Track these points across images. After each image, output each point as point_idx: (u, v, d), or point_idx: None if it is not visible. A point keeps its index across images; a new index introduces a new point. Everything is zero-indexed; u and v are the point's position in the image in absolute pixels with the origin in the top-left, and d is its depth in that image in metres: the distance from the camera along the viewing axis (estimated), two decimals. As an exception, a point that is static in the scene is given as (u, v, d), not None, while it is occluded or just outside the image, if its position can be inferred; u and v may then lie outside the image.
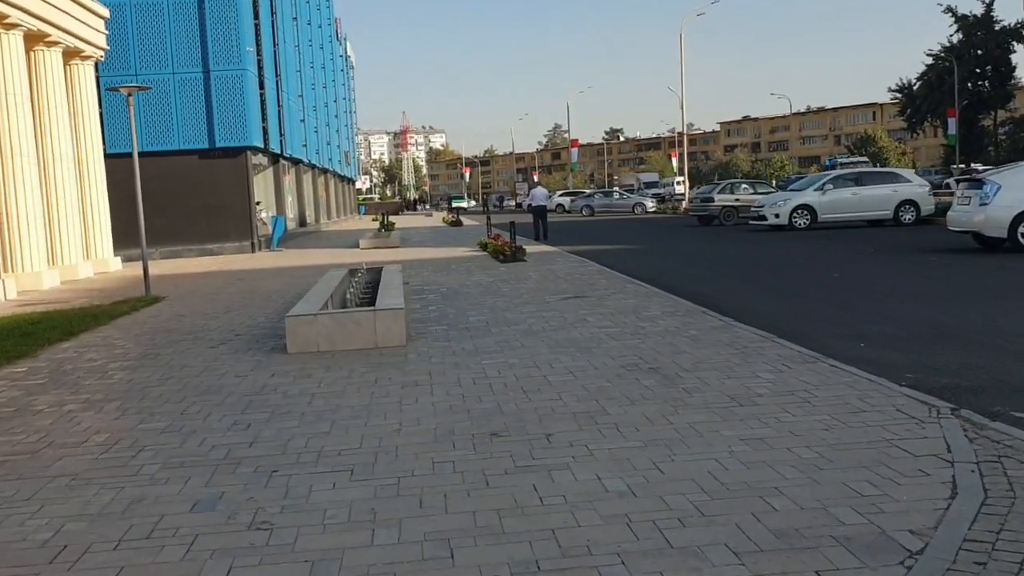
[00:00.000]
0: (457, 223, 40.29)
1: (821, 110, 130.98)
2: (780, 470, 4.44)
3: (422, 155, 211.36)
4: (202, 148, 24.54)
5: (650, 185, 63.04)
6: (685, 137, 52.04)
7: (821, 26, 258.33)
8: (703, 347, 7.77)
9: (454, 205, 75.65)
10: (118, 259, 21.27)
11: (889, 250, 17.57)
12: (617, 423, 5.43)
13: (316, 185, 41.65)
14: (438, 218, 56.14)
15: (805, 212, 24.37)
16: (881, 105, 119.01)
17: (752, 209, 26.15)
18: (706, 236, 25.08)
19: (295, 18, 34.70)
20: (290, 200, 34.27)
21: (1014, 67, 73.56)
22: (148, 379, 7.58)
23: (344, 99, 58.18)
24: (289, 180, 34.41)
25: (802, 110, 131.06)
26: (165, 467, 4.99)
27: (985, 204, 15.12)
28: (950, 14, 72.39)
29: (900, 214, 24.56)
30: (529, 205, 65.73)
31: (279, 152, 29.43)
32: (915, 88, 76.93)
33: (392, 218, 39.94)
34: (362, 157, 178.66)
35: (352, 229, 40.98)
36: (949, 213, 16.62)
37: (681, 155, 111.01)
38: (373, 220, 44.24)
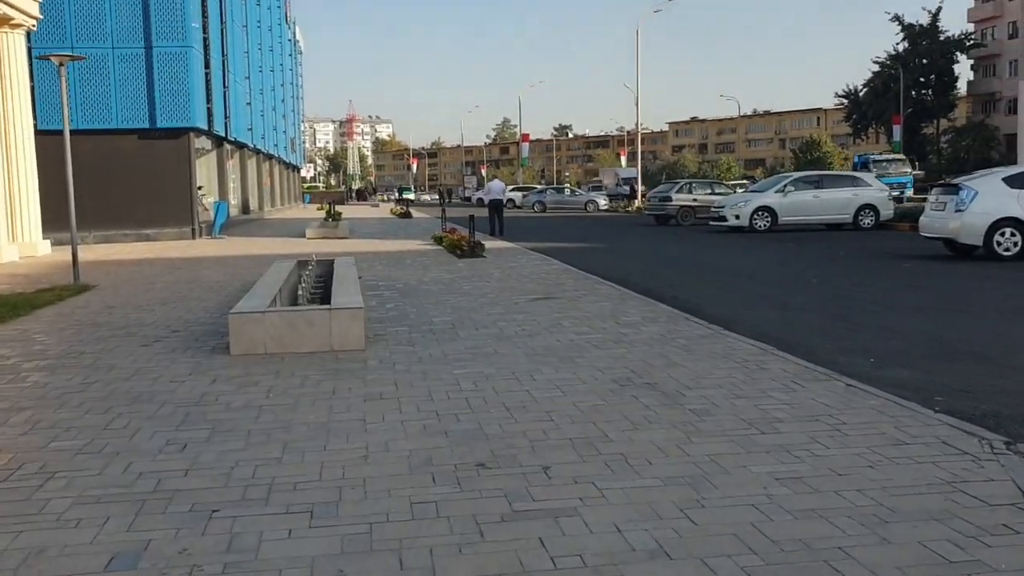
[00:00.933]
0: (406, 215, 39.28)
1: (767, 113, 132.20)
2: (837, 522, 3.67)
3: (368, 145, 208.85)
4: (142, 128, 23.22)
5: (629, 181, 60.22)
6: (639, 135, 51.51)
7: (769, 32, 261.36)
8: (698, 359, 7.01)
9: (404, 196, 73.91)
10: (47, 243, 19.92)
11: (860, 255, 17.07)
12: (624, 453, 4.62)
13: (261, 171, 40.26)
14: (385, 209, 54.97)
15: (766, 214, 23.90)
16: (825, 110, 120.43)
17: (712, 210, 25.63)
18: (667, 236, 24.44)
19: (243, -3, 33.33)
20: (233, 186, 32.94)
21: (956, 77, 74.89)
22: (68, 383, 6.58)
23: (291, 84, 56.64)
24: (233, 165, 33.06)
25: (748, 113, 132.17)
26: (78, 502, 4.05)
27: (961, 210, 14.67)
28: (897, 23, 73.35)
29: (859, 218, 24.23)
30: (480, 200, 64.84)
31: (223, 135, 28.13)
32: (861, 94, 77.79)
33: (339, 208, 38.87)
34: (307, 145, 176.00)
35: (297, 218, 39.71)
36: (921, 219, 16.18)
37: (632, 154, 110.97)
38: (318, 209, 43.02)
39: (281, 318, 7.64)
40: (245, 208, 35.02)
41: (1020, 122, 21.35)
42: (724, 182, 36.62)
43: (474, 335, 8.37)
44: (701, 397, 5.79)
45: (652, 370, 6.65)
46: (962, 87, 77.05)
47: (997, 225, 14.45)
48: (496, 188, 25.64)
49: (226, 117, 28.16)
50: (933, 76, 73.22)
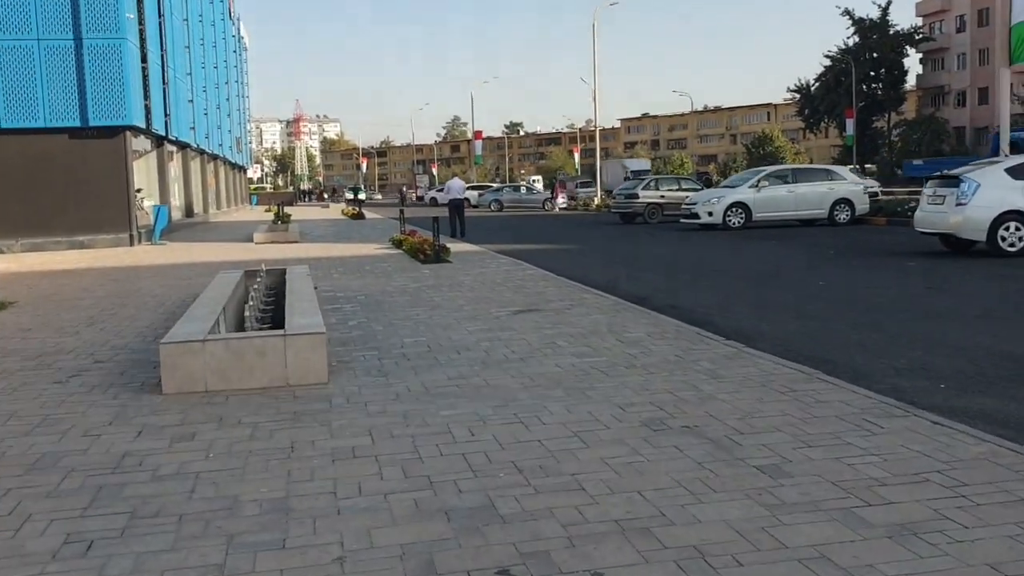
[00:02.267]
0: (359, 216, 37.77)
1: (718, 109, 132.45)
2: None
3: (316, 145, 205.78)
4: (73, 126, 21.48)
5: (640, 174, 52.33)
6: (598, 131, 50.42)
7: (719, 28, 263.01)
8: (734, 388, 5.82)
9: (349, 196, 71.54)
10: (-33, 252, 18.19)
11: (853, 253, 16.03)
12: (697, 545, 3.39)
13: (205, 172, 38.45)
14: (336, 210, 53.30)
15: (739, 210, 22.91)
16: (775, 106, 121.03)
17: (683, 207, 24.56)
18: (639, 236, 23.24)
19: (183, -12, 31.57)
20: (176, 188, 31.19)
21: (906, 71, 75.18)
22: (-51, 441, 5.17)
23: (236, 82, 54.71)
24: (175, 166, 31.30)
25: (700, 109, 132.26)
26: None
27: (963, 204, 13.71)
28: (847, 16, 73.32)
29: (835, 213, 23.37)
30: (433, 199, 63.30)
31: (163, 134, 26.45)
32: (813, 89, 77.73)
33: (288, 209, 37.23)
34: (254, 146, 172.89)
35: (244, 220, 38.00)
36: (917, 213, 15.22)
37: (586, 151, 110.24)
38: (266, 211, 41.35)
39: (226, 348, 6.28)
40: (189, 211, 33.29)
41: (1001, 111, 20.43)
42: (691, 178, 35.60)
43: (456, 360, 7.09)
44: (762, 447, 4.58)
45: (684, 406, 5.44)
46: (911, 81, 77.50)
47: (1001, 219, 13.53)
48: (456, 187, 24.32)
49: (166, 115, 26.46)
50: (883, 70, 73.38)
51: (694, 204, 23.75)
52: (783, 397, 5.58)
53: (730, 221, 22.87)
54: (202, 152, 36.99)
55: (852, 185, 23.80)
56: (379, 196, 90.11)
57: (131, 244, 22.01)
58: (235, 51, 54.37)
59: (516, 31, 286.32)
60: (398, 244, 19.02)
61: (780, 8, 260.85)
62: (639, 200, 28.48)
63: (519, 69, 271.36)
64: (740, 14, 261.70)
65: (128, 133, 22.18)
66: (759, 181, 23.25)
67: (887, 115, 75.74)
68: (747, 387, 5.87)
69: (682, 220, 24.45)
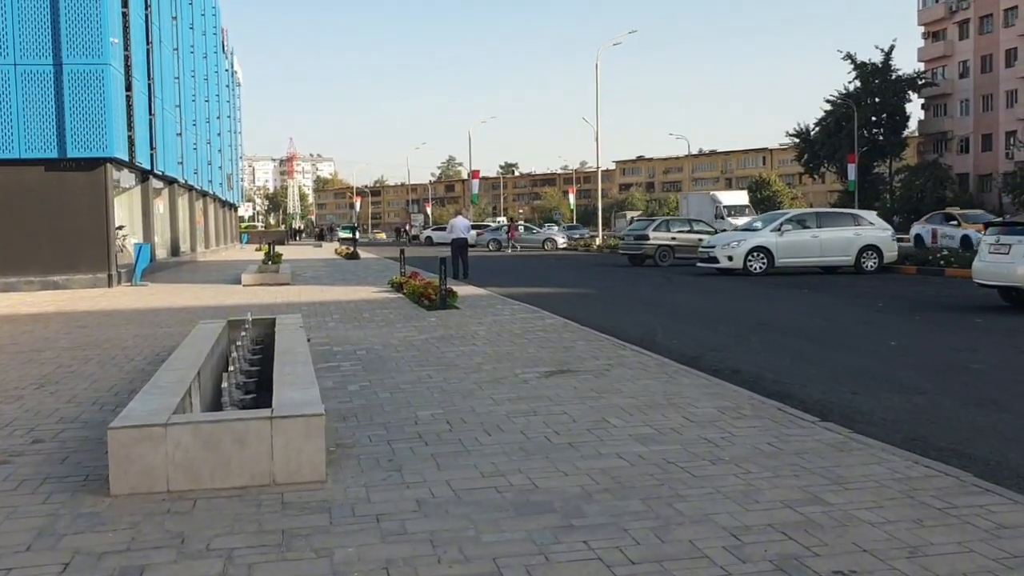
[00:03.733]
0: (354, 255, 36.33)
1: (713, 153, 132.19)
2: None
3: (309, 183, 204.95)
4: (50, 157, 20.05)
5: (736, 211, 44.88)
6: (599, 172, 49.12)
7: (714, 72, 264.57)
8: (871, 501, 4.36)
9: (342, 236, 69.72)
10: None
11: (904, 307, 14.52)
12: None
13: (193, 209, 37.00)
14: (329, 249, 51.89)
15: (761, 255, 21.54)
16: (771, 150, 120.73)
17: (700, 250, 23.17)
18: (655, 280, 21.72)
19: (175, 17, 30.33)
20: (161, 225, 29.72)
21: (908, 116, 74.57)
22: None
23: (229, 117, 53.49)
24: (161, 202, 29.87)
25: (695, 152, 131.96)
26: None
27: (1035, 254, 12.33)
28: (849, 60, 72.85)
29: (862, 260, 22.01)
30: (428, 238, 61.95)
31: (149, 168, 25.02)
32: (813, 133, 77.02)
33: (279, 248, 35.79)
34: (245, 184, 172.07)
35: (233, 260, 36.52)
36: (976, 264, 13.79)
37: (580, 192, 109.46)
38: (257, 250, 39.93)
39: (195, 434, 4.77)
40: (175, 250, 31.79)
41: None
42: (703, 220, 34.33)
43: (487, 445, 5.61)
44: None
45: (819, 532, 3.95)
46: (912, 126, 76.89)
47: (1079, 270, 12.16)
48: (460, 226, 22.90)
49: (152, 148, 25.07)
50: (885, 115, 72.81)
51: (712, 247, 22.37)
52: (949, 519, 4.10)
53: (751, 266, 21.49)
54: (191, 188, 35.59)
55: (880, 231, 22.47)
56: (382, 235, 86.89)
57: (109, 285, 20.47)
58: (228, 86, 53.25)
59: (513, 71, 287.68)
60: (398, 287, 17.56)
61: (777, 52, 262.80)
62: (649, 242, 27.10)
63: (515, 109, 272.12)
64: (737, 58, 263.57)
65: (109, 166, 20.75)
66: (782, 225, 21.90)
67: (888, 161, 75.00)
68: (889, 500, 4.39)
69: (699, 264, 23.04)
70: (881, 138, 73.21)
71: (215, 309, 14.77)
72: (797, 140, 79.05)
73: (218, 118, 45.84)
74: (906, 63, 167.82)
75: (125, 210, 24.48)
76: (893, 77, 72.21)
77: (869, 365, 8.77)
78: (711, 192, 55.89)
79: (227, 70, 52.77)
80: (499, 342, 10.12)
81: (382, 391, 7.45)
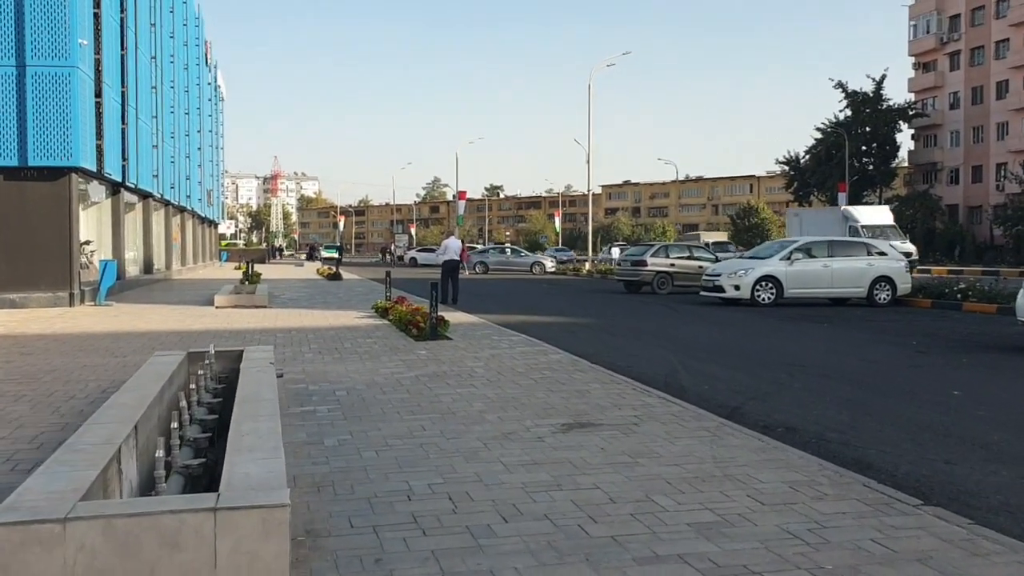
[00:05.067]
0: (336, 276, 34.90)
1: (700, 179, 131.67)
2: None
3: (293, 202, 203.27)
4: (9, 165, 18.60)
5: (877, 232, 35.89)
6: (590, 195, 47.93)
7: (704, 98, 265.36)
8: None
9: (325, 255, 68.17)
10: None
11: (941, 345, 13.11)
12: None
13: (169, 225, 35.51)
14: (311, 268, 50.41)
15: (770, 285, 20.30)
16: (758, 178, 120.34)
17: (704, 278, 21.88)
18: (658, 309, 20.31)
19: (153, 24, 28.98)
20: (133, 241, 28.24)
21: (898, 146, 74.05)
22: None
23: (211, 131, 52.06)
24: (134, 217, 28.41)
25: (681, 179, 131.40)
26: None
27: (1088, 291, 11.11)
28: (840, 89, 72.32)
29: (875, 292, 20.81)
30: (413, 260, 60.47)
31: (120, 180, 23.59)
32: (803, 161, 76.34)
33: (259, 267, 34.35)
34: (228, 201, 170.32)
35: (210, 278, 35.03)
36: (1021, 300, 12.55)
37: (565, 215, 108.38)
38: (236, 268, 38.48)
39: (106, 533, 3.39)
40: (148, 267, 30.26)
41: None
42: (704, 246, 33.11)
43: (503, 537, 4.27)
44: None
45: None
46: (903, 156, 76.33)
47: None
48: (454, 247, 21.51)
49: (124, 159, 23.67)
50: (875, 144, 72.24)
51: (717, 276, 21.10)
52: None
53: (759, 297, 20.23)
54: (167, 203, 34.11)
55: (893, 261, 21.27)
56: (381, 257, 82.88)
57: (71, 304, 18.99)
58: (211, 99, 51.86)
59: (501, 92, 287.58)
60: (383, 313, 16.19)
61: (768, 80, 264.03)
62: (647, 268, 25.79)
63: (502, 130, 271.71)
64: (726, 84, 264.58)
65: (75, 176, 19.31)
66: (792, 253, 20.67)
67: (879, 190, 74.36)
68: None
69: (702, 293, 21.75)
70: (871, 167, 72.65)
71: (180, 335, 13.37)
72: (787, 168, 78.31)
73: (199, 132, 44.42)
74: (897, 93, 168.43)
75: (93, 224, 23.03)
76: (884, 107, 71.75)
77: (943, 421, 7.45)
78: (843, 208, 43.36)
79: (210, 83, 51.41)
80: (501, 383, 8.77)
81: (366, 448, 6.09)
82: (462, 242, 23.72)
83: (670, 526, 4.45)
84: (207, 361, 7.81)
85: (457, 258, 21.35)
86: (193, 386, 6.68)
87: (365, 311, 17.66)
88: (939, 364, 11.19)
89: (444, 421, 6.96)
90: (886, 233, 36.73)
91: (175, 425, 5.03)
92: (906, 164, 77.64)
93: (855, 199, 70.88)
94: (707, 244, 42.92)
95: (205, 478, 5.28)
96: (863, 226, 37.50)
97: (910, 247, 36.05)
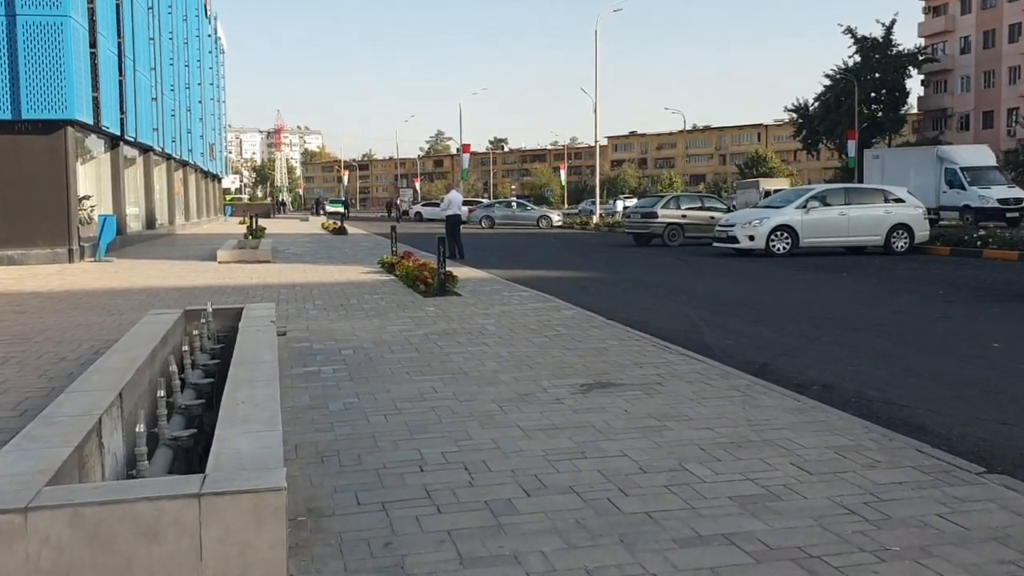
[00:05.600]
0: (341, 231, 34.43)
1: (707, 129, 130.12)
2: None
3: (296, 156, 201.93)
4: (3, 119, 18.08)
5: (978, 177, 32.59)
6: (598, 147, 47.11)
7: (712, 46, 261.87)
8: None
9: (330, 210, 67.10)
10: None
11: (968, 295, 12.63)
12: None
13: (171, 180, 35.00)
14: (315, 223, 49.93)
15: (785, 235, 19.76)
16: (766, 126, 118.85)
17: (717, 229, 21.34)
18: (670, 262, 19.74)
19: (148, -28, 28.20)
20: (135, 196, 27.75)
21: (908, 93, 72.73)
22: None
23: (212, 84, 51.24)
24: (135, 171, 27.89)
25: (688, 128, 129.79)
26: None
27: None
28: (849, 35, 70.84)
29: (892, 240, 20.28)
30: (418, 214, 59.86)
31: (118, 134, 23.05)
32: (812, 109, 75.11)
33: (263, 222, 33.92)
34: (232, 156, 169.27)
35: (214, 233, 34.56)
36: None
37: (570, 168, 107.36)
38: (240, 223, 38.00)
39: (73, 524, 2.96)
40: (151, 222, 29.82)
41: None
42: (714, 196, 32.46)
43: (526, 514, 3.85)
44: None
45: None
46: (912, 104, 75.10)
47: None
48: (457, 201, 20.96)
49: (122, 112, 23.10)
50: (884, 91, 70.95)
51: (731, 226, 20.55)
52: None
53: (774, 247, 19.71)
54: (168, 157, 33.57)
55: (911, 209, 20.69)
56: (387, 211, 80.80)
57: (70, 260, 18.57)
58: (211, 52, 50.95)
59: (505, 42, 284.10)
60: (389, 268, 15.74)
61: (775, 26, 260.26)
62: (658, 220, 25.21)
63: (507, 81, 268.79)
64: (734, 32, 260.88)
65: (71, 129, 18.78)
66: (808, 201, 20.09)
67: (888, 137, 73.26)
68: None
69: (715, 244, 21.23)
70: (880, 114, 71.39)
71: (181, 291, 12.94)
72: (795, 115, 77.05)
73: (199, 85, 43.66)
74: (907, 38, 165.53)
75: (92, 179, 22.53)
76: (893, 52, 70.26)
77: (989, 377, 6.98)
78: (937, 148, 37.07)
79: (210, 35, 50.45)
80: (514, 340, 8.32)
81: (374, 412, 5.67)
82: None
83: (710, 500, 4.02)
84: (203, 320, 7.39)
85: (459, 212, 20.77)
86: (187, 348, 6.25)
87: (371, 266, 17.21)
88: (971, 314, 10.72)
89: (456, 382, 6.53)
90: (988, 176, 33.08)
91: (161, 394, 4.58)
92: (915, 111, 76.43)
93: (864, 146, 69.80)
94: (767, 192, 40.64)
95: (200, 448, 4.86)
96: (962, 168, 33.22)
97: (1019, 192, 32.65)
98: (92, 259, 19.12)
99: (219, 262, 18.44)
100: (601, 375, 6.73)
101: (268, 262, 18.51)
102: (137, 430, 4.00)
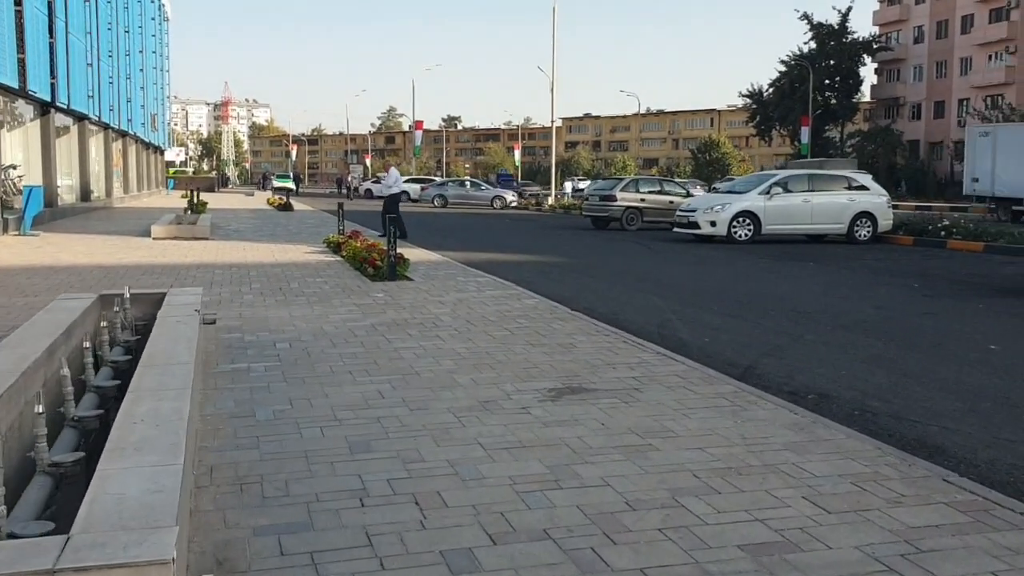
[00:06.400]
0: (287, 207, 33.24)
1: (661, 113, 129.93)
2: None
3: (244, 129, 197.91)
4: (-83, 81, 16.75)
5: None
6: (554, 125, 46.29)
7: (664, 29, 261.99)
8: None
9: (277, 185, 64.70)
10: None
11: (944, 288, 12.10)
12: None
13: (109, 150, 33.48)
14: (261, 199, 48.48)
15: (747, 221, 19.16)
16: (719, 112, 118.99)
17: (679, 214, 20.67)
18: (631, 247, 18.91)
19: (84, -69, 26.67)
20: (68, 166, 26.33)
21: (861, 80, 73.04)
22: None
23: (154, 53, 49.36)
24: (68, 140, 26.46)
25: (643, 112, 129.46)
26: None
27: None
28: (806, 21, 70.81)
29: (855, 229, 19.82)
30: (368, 191, 58.46)
31: (49, 100, 21.69)
32: (767, 94, 75.04)
33: (206, 196, 32.63)
34: (178, 127, 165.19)
35: (154, 207, 33.15)
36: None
37: (525, 148, 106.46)
38: (183, 197, 36.60)
39: None
40: (85, 195, 28.42)
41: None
42: (674, 180, 31.84)
43: (494, 572, 3.07)
44: None
45: None
46: (866, 92, 75.44)
47: None
48: (396, 177, 19.69)
49: (53, 76, 21.74)
50: (838, 78, 71.14)
51: (693, 211, 19.90)
52: None
53: (736, 233, 19.11)
54: (106, 127, 32.06)
55: (875, 197, 20.22)
56: (337, 188, 77.12)
57: (-8, 234, 17.32)
58: (154, 18, 49.04)
59: (458, 21, 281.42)
60: (336, 248, 14.83)
61: (730, 11, 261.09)
62: (616, 203, 24.49)
63: (461, 58, 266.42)
64: (690, 15, 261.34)
65: (-8, 93, 17.48)
66: (771, 187, 19.50)
67: (840, 125, 73.55)
68: None
69: (676, 229, 20.57)
70: (834, 101, 71.61)
71: (106, 271, 11.92)
72: (750, 101, 76.94)
73: (140, 52, 41.94)
74: (863, 26, 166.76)
75: (19, 147, 21.18)
76: (848, 40, 70.41)
77: (998, 386, 6.34)
78: None
79: (152, 1, 48.54)
80: (473, 334, 7.53)
81: (308, 424, 4.84)
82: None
83: (715, 549, 3.29)
84: (116, 309, 6.48)
85: (398, 191, 19.58)
86: (88, 345, 5.35)
87: (316, 246, 16.27)
88: (954, 310, 10.15)
89: (406, 385, 5.72)
90: None
91: (39, 409, 3.70)
92: (867, 99, 76.80)
93: (816, 133, 69.96)
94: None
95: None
96: None
97: None
98: (16, 233, 17.87)
99: (153, 238, 17.34)
100: (571, 377, 5.98)
101: (206, 239, 17.45)
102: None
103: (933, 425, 5.25)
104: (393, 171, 19.81)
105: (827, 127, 73.25)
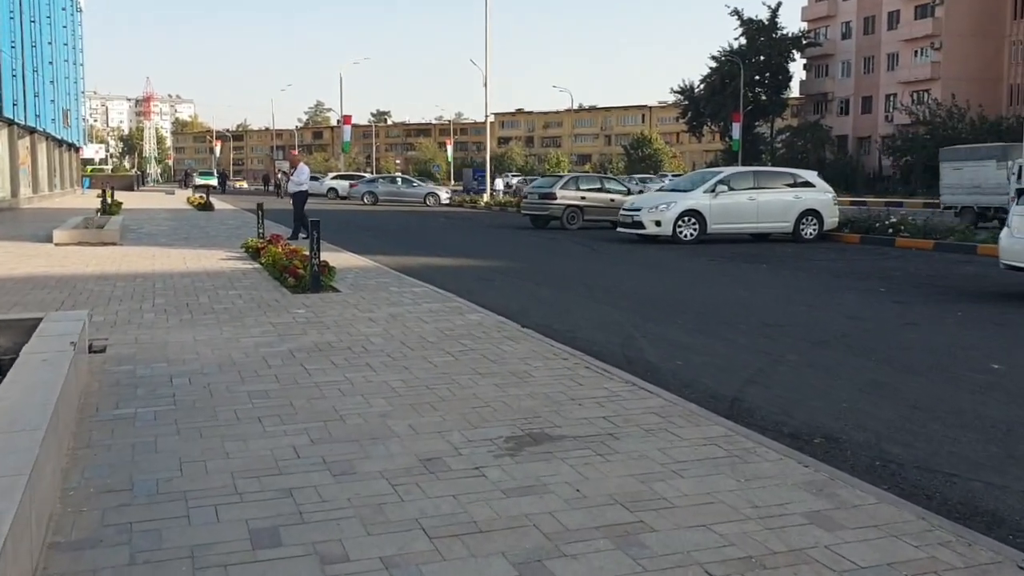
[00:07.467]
0: (207, 206, 31.62)
1: (593, 108, 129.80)
2: None
3: (167, 126, 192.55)
4: None
5: None
6: (488, 121, 45.26)
7: (596, 24, 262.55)
8: None
9: (199, 183, 62.11)
10: None
11: (913, 292, 11.34)
12: None
13: (15, 148, 31.42)
14: (182, 197, 46.51)
15: (693, 220, 18.37)
16: (651, 108, 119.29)
17: (622, 213, 19.75)
18: (575, 249, 17.82)
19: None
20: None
21: (791, 76, 73.56)
22: None
23: (66, 45, 46.94)
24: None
25: (575, 108, 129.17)
26: None
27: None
28: (736, 16, 70.99)
29: (801, 227, 19.22)
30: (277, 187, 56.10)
31: (-61, 93, 19.89)
32: (698, 91, 75.09)
33: (123, 196, 30.84)
34: (97, 124, 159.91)
35: (64, 208, 31.22)
36: (1005, 241, 10.80)
37: (456, 144, 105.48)
38: (98, 197, 34.70)
39: None
40: (-13, 195, 26.47)
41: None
42: (616, 177, 31.02)
43: None
44: None
45: None
46: (795, 88, 76.02)
47: None
48: (306, 173, 18.22)
49: (-57, 67, 19.94)
50: (768, 74, 71.56)
51: (637, 211, 19.01)
52: None
53: (681, 233, 18.30)
54: (11, 123, 30.04)
55: (821, 194, 19.64)
56: (243, 183, 75.31)
57: None
58: (65, 9, 46.62)
59: (385, 13, 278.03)
60: (255, 254, 13.58)
61: (661, 5, 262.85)
62: (556, 201, 23.52)
63: (390, 51, 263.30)
64: (620, 9, 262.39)
65: None
66: (716, 185, 18.73)
67: (771, 120, 73.99)
68: None
69: (620, 229, 19.70)
70: (764, 97, 72.03)
71: (-7, 283, 10.53)
72: (681, 97, 76.95)
73: (50, 44, 39.66)
74: (792, 22, 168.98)
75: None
76: (778, 36, 70.84)
77: (1020, 418, 5.51)
78: None
79: (63, -10, 46.12)
80: (409, 361, 6.45)
81: (200, 502, 3.73)
82: None
83: None
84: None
85: (306, 188, 18.14)
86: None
87: (234, 251, 14.98)
88: (934, 319, 9.37)
89: (328, 436, 4.64)
90: None
91: None
92: (796, 95, 77.43)
93: (747, 128, 70.23)
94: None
95: None
96: None
97: None
98: (-101, 239, 16.19)
99: (56, 243, 15.82)
100: (531, 419, 4.96)
101: (114, 244, 16.01)
102: None
103: (975, 480, 4.35)
104: (302, 166, 18.44)
105: (757, 123, 73.65)
